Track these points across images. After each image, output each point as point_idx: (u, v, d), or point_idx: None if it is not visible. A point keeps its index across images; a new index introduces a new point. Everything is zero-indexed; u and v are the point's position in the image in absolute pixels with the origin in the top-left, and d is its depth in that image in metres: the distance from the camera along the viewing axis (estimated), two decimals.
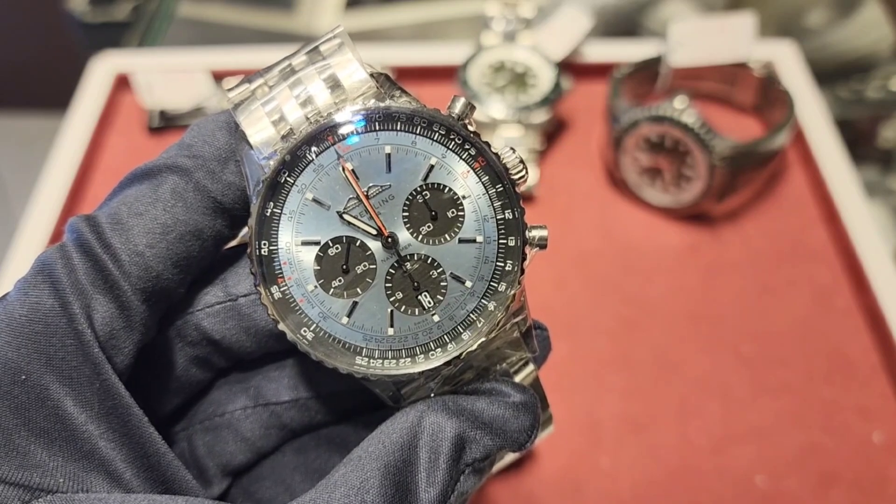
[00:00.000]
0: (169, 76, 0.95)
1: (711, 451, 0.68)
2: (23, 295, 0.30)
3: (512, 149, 0.33)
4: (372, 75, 0.33)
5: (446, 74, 0.92)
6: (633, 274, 0.80)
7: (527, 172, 0.33)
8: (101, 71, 0.99)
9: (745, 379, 0.72)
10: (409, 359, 0.32)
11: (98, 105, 0.95)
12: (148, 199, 0.32)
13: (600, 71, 0.95)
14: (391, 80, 0.34)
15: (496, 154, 0.33)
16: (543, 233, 0.33)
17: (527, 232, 0.33)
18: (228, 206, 0.33)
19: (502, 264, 0.33)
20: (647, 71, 0.89)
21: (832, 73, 1.05)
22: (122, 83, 0.99)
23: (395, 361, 0.32)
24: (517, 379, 0.35)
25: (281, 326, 0.32)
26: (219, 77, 0.97)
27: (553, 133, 0.92)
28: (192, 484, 0.32)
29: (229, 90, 0.33)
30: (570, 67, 0.95)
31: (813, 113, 0.90)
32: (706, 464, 0.67)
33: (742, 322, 0.76)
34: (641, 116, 0.79)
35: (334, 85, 0.32)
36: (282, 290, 0.32)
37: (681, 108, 0.78)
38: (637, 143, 0.82)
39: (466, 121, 0.33)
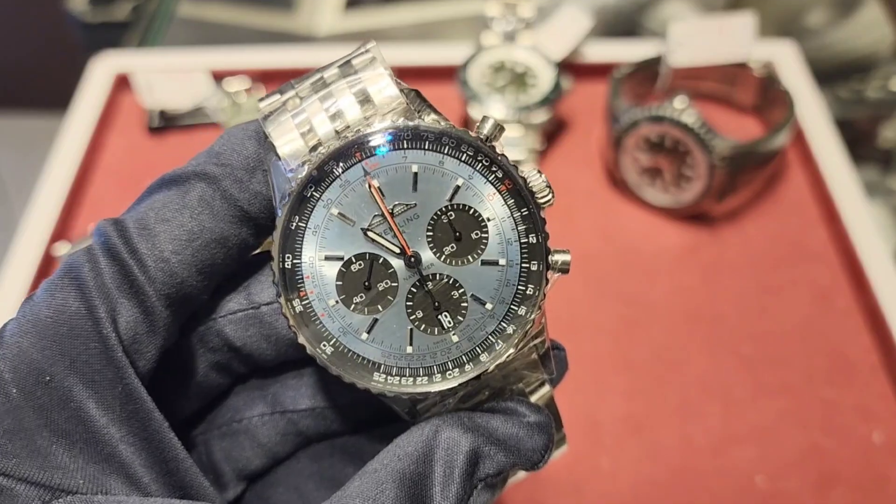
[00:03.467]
0: (169, 76, 0.95)
1: (711, 451, 0.68)
2: (49, 296, 0.30)
3: (538, 171, 0.33)
4: (402, 91, 0.33)
5: (446, 74, 0.92)
6: (633, 274, 0.80)
7: (552, 196, 0.33)
8: (101, 71, 0.99)
9: (746, 379, 0.72)
10: (426, 377, 0.32)
11: (98, 105, 0.95)
12: (175, 205, 0.32)
13: (600, 71, 0.95)
14: (421, 96, 0.34)
15: (523, 177, 0.33)
16: (566, 257, 0.33)
17: (550, 256, 0.33)
18: (254, 216, 0.33)
19: (524, 288, 0.33)
20: (647, 71, 0.89)
21: (832, 73, 1.05)
22: (122, 83, 0.99)
23: (412, 379, 0.32)
24: (533, 399, 0.35)
25: (301, 339, 0.32)
26: (219, 77, 0.97)
27: (553, 133, 0.92)
28: (208, 489, 0.32)
29: (261, 100, 0.33)
30: (570, 67, 0.95)
31: (813, 113, 0.90)
32: (706, 464, 0.67)
33: (742, 322, 0.76)
34: (641, 116, 0.79)
35: (365, 99, 0.33)
36: (303, 303, 0.32)
37: (681, 108, 0.77)
38: (637, 143, 0.82)
39: (495, 142, 0.33)
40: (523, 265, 0.33)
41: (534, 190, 0.33)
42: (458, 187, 0.33)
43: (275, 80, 0.98)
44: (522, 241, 0.33)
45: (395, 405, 0.34)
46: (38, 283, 0.80)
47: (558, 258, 0.33)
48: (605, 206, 0.87)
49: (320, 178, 0.32)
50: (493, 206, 0.33)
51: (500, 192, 0.33)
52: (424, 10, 1.26)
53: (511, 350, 0.32)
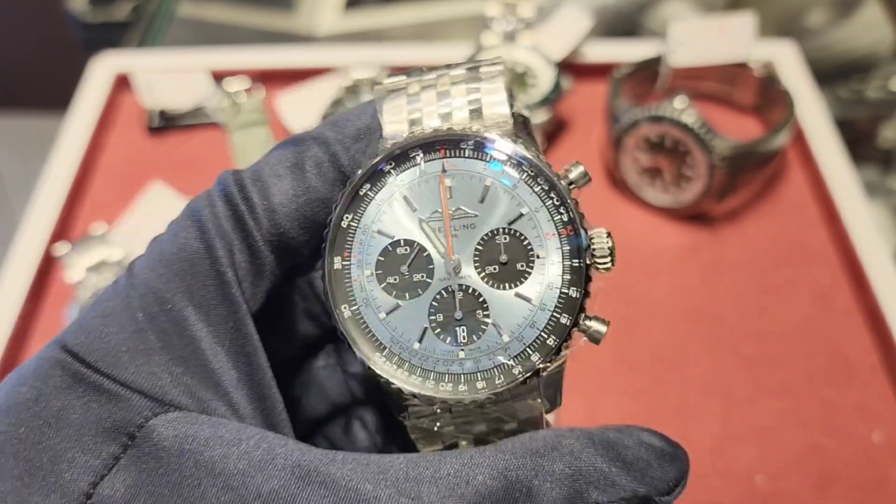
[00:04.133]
0: (169, 76, 0.95)
1: (711, 451, 0.68)
2: (173, 235, 0.33)
3: (609, 234, 0.33)
4: (513, 114, 0.33)
5: None
6: (633, 274, 0.80)
7: (612, 265, 0.33)
8: (101, 71, 0.99)
9: (745, 379, 0.72)
10: (420, 378, 0.32)
11: (98, 105, 0.95)
12: (288, 163, 0.34)
13: (600, 71, 0.95)
14: (528, 126, 0.34)
15: (586, 231, 0.33)
16: (602, 328, 0.33)
17: (583, 319, 0.33)
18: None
19: (546, 336, 0.33)
20: (647, 71, 0.89)
21: (832, 73, 1.05)
22: (122, 83, 0.99)
23: (406, 373, 0.33)
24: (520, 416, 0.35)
25: (328, 291, 0.33)
26: (219, 77, 0.97)
27: (553, 133, 0.92)
28: (292, 434, 0.33)
29: (387, 78, 0.35)
30: (570, 67, 0.95)
31: (813, 113, 0.90)
32: (706, 464, 0.67)
33: (742, 322, 0.76)
34: (641, 116, 0.79)
35: (476, 109, 0.33)
36: (343, 263, 0.33)
37: (681, 108, 0.78)
38: (637, 143, 0.82)
39: (574, 188, 0.33)
40: (554, 314, 0.33)
41: (594, 249, 0.33)
42: (521, 215, 0.33)
43: (275, 80, 0.98)
44: (563, 290, 0.33)
45: (387, 394, 0.34)
46: (38, 283, 0.81)
47: (592, 325, 0.33)
48: (604, 206, 0.87)
49: (400, 159, 0.33)
50: (547, 246, 0.33)
51: (559, 234, 0.33)
52: (424, 10, 1.26)
53: (505, 389, 0.32)
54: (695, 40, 0.87)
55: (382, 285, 0.33)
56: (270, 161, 0.35)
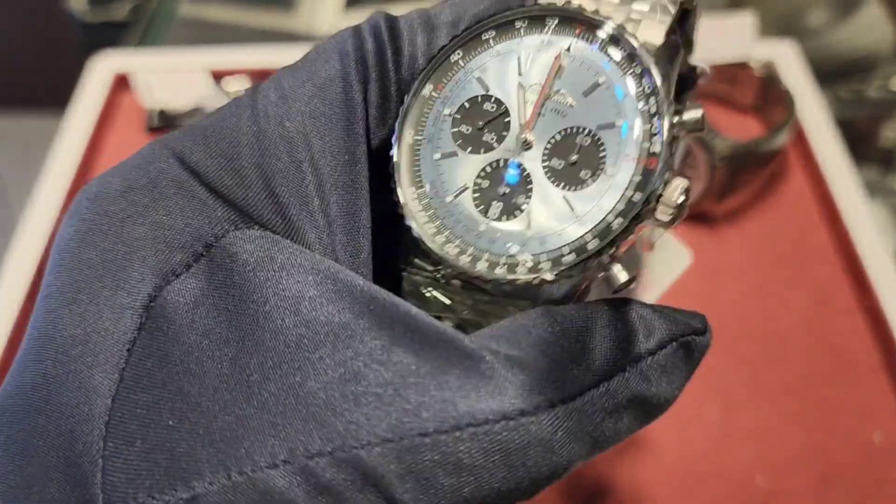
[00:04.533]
0: (169, 76, 0.95)
1: (711, 451, 0.68)
2: (310, 60, 0.33)
3: (687, 190, 0.29)
4: (667, 42, 0.32)
5: None
6: None
7: (673, 222, 0.30)
8: (100, 71, 0.99)
9: (745, 379, 0.72)
10: (435, 229, 0.31)
11: (97, 105, 0.95)
12: (439, 18, 0.33)
13: None
14: (673, 58, 0.33)
15: (661, 174, 0.29)
16: (622, 276, 0.30)
17: (609, 254, 0.30)
18: None
19: (566, 251, 0.30)
20: None
21: (833, 73, 1.04)
22: (122, 83, 0.99)
23: (427, 220, 0.32)
24: None
25: (403, 114, 0.32)
26: (219, 77, 0.97)
27: None
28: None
29: None
30: None
31: (814, 113, 0.90)
32: (706, 464, 0.67)
33: (742, 322, 0.76)
34: None
35: (661, 6, 0.32)
36: (433, 93, 0.32)
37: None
38: None
39: (683, 133, 0.31)
40: (587, 235, 0.30)
41: (662, 196, 0.29)
42: (613, 124, 0.30)
43: None
44: (607, 216, 0.30)
45: (406, 234, 0.32)
46: (38, 283, 0.80)
47: (614, 267, 0.31)
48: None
49: (535, 21, 0.32)
50: (619, 167, 0.30)
51: (637, 161, 0.30)
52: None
53: (502, 279, 0.30)
54: (695, 39, 0.87)
55: (453, 130, 0.32)
56: (418, 13, 0.33)
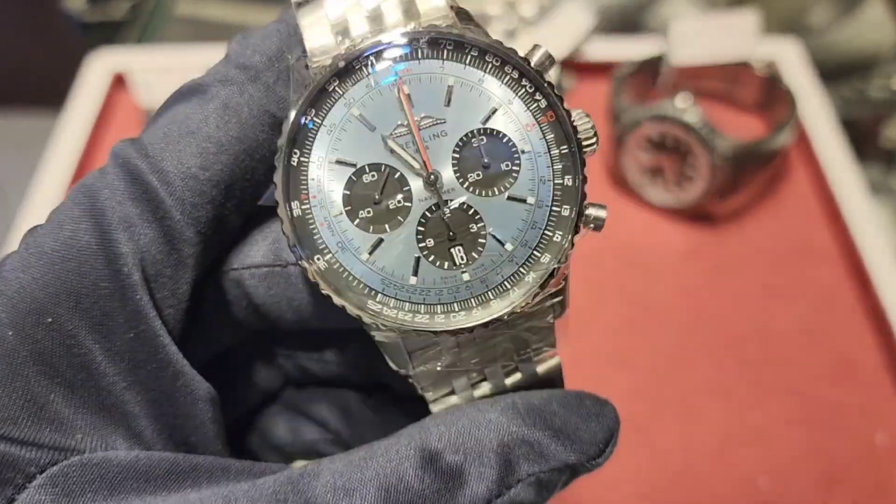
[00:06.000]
0: (166, 74, 0.94)
1: (713, 452, 0.67)
2: (56, 227, 0.27)
3: (586, 115, 0.29)
4: (451, 7, 0.30)
5: None
6: (635, 274, 0.80)
7: (597, 142, 0.29)
8: (98, 69, 0.98)
9: (748, 380, 0.72)
10: (427, 315, 0.29)
11: (95, 103, 0.95)
12: (199, 115, 0.29)
13: (602, 69, 0.94)
14: (469, 16, 0.31)
15: (567, 112, 0.29)
16: (601, 213, 0.30)
17: (584, 205, 0.29)
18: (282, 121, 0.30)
19: (551, 234, 0.30)
20: (649, 69, 0.89)
21: (835, 72, 1.04)
22: (119, 82, 0.98)
23: (410, 315, 0.29)
24: (540, 368, 0.32)
25: (295, 249, 0.28)
26: None
27: None
28: (213, 441, 0.29)
29: None
30: (572, 66, 0.94)
31: (816, 112, 0.90)
32: (708, 465, 0.66)
33: (744, 322, 0.76)
34: (643, 115, 0.79)
35: (408, 7, 0.29)
36: (303, 207, 0.29)
37: (683, 106, 0.77)
38: (639, 143, 0.81)
39: (544, 73, 0.30)
40: (554, 208, 0.30)
41: (577, 128, 0.29)
42: (494, 110, 0.29)
43: None
44: (557, 181, 0.30)
45: (385, 348, 0.30)
46: None
47: (592, 212, 0.30)
48: (606, 205, 0.86)
49: (346, 72, 0.29)
50: (529, 138, 0.29)
51: (539, 123, 0.29)
52: None
53: (527, 300, 0.29)
54: (697, 39, 0.87)
55: (355, 223, 0.29)
56: (176, 118, 0.29)
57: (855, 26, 1.05)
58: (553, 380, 0.33)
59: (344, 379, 0.35)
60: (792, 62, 0.95)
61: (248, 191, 0.30)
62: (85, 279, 0.26)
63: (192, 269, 0.28)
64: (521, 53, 0.29)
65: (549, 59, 0.29)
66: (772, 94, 0.88)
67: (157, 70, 0.95)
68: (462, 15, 0.30)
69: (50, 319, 0.26)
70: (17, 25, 1.97)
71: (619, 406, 0.78)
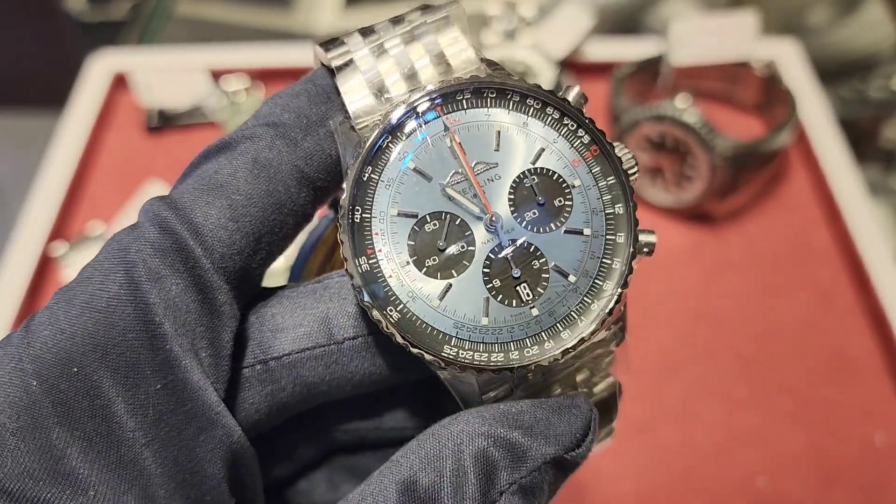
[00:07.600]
0: (167, 75, 0.94)
1: (713, 452, 0.67)
2: (85, 280, 0.27)
3: (624, 146, 0.31)
4: (482, 60, 0.32)
5: None
6: (635, 274, 0.80)
7: (638, 169, 0.31)
8: (99, 70, 0.98)
9: (747, 380, 0.72)
10: (502, 354, 0.30)
11: (96, 104, 0.95)
12: (228, 170, 0.29)
13: (601, 70, 0.94)
14: (496, 64, 0.32)
15: (611, 145, 0.31)
16: (651, 238, 0.31)
17: (637, 231, 0.31)
18: (312, 176, 0.31)
19: (609, 262, 0.31)
20: (649, 70, 0.89)
21: (834, 73, 1.04)
22: (120, 82, 0.98)
23: (486, 355, 0.30)
24: (597, 388, 0.34)
25: (366, 299, 0.29)
26: (217, 76, 0.96)
27: None
28: (228, 500, 0.29)
29: (326, 51, 0.31)
30: (571, 66, 0.94)
31: (815, 112, 0.90)
32: (708, 465, 0.67)
33: (744, 322, 0.76)
34: (643, 116, 0.79)
35: (441, 62, 0.31)
36: (370, 262, 0.29)
37: (682, 107, 0.77)
38: (638, 143, 0.81)
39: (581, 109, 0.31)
40: (608, 236, 0.31)
41: (621, 159, 0.31)
42: (542, 150, 0.31)
43: (273, 78, 0.97)
44: (608, 211, 0.31)
45: (457, 389, 0.31)
46: (36, 282, 0.80)
47: (643, 238, 0.31)
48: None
49: (398, 129, 0.30)
50: (578, 173, 0.31)
51: (584, 159, 0.31)
52: None
53: (594, 327, 0.30)
54: (696, 39, 0.87)
55: (423, 271, 0.30)
56: (205, 174, 0.29)
57: (854, 26, 1.05)
58: (609, 400, 0.34)
59: (398, 440, 0.34)
60: (791, 62, 0.95)
61: (275, 244, 0.30)
62: (112, 329, 0.26)
63: (229, 318, 0.28)
64: (558, 94, 0.31)
65: (584, 97, 0.31)
66: (771, 95, 0.88)
67: (157, 70, 0.95)
68: (490, 64, 0.32)
69: (75, 369, 0.25)
70: (17, 26, 1.97)
71: (619, 406, 0.78)
